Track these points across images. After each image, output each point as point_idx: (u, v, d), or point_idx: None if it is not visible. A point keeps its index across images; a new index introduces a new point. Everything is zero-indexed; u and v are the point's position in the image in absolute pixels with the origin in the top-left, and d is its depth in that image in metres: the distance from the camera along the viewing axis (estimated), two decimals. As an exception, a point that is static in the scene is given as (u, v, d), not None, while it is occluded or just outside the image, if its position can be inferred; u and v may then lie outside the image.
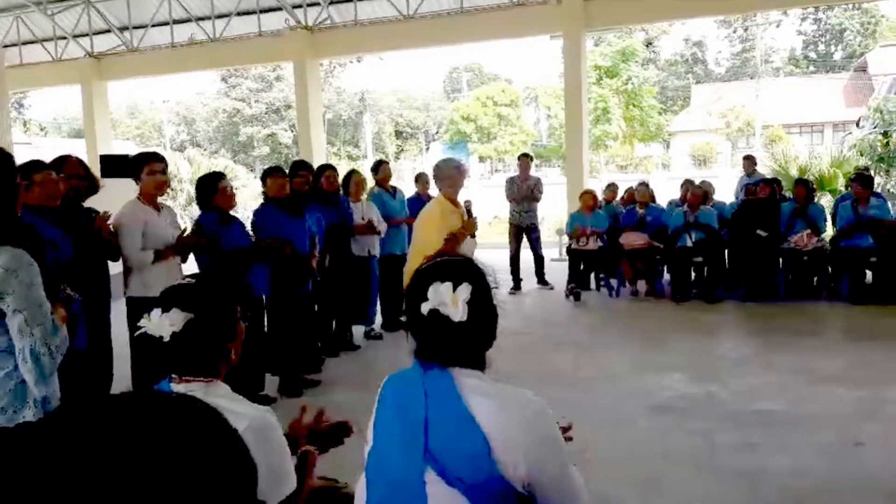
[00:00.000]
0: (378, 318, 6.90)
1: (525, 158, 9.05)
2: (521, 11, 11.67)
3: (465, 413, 1.47)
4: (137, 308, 3.84)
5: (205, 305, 1.72)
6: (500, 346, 1.66)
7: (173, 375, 1.72)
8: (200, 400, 0.74)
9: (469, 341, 1.56)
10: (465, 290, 1.51)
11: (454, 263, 1.62)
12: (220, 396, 1.71)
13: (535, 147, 40.48)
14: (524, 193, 8.61)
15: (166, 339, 1.65)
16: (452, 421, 1.47)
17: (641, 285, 8.15)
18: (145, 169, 3.98)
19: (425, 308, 1.52)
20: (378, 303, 6.89)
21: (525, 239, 8.71)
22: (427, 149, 49.17)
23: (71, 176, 3.81)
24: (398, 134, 50.96)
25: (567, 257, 8.51)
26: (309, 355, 5.37)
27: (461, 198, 4.50)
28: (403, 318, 6.49)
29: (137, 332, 1.70)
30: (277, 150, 44.14)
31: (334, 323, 6.20)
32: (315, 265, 5.26)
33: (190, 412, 0.70)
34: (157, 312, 1.68)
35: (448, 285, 1.51)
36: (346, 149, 45.78)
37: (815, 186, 8.83)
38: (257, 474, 0.73)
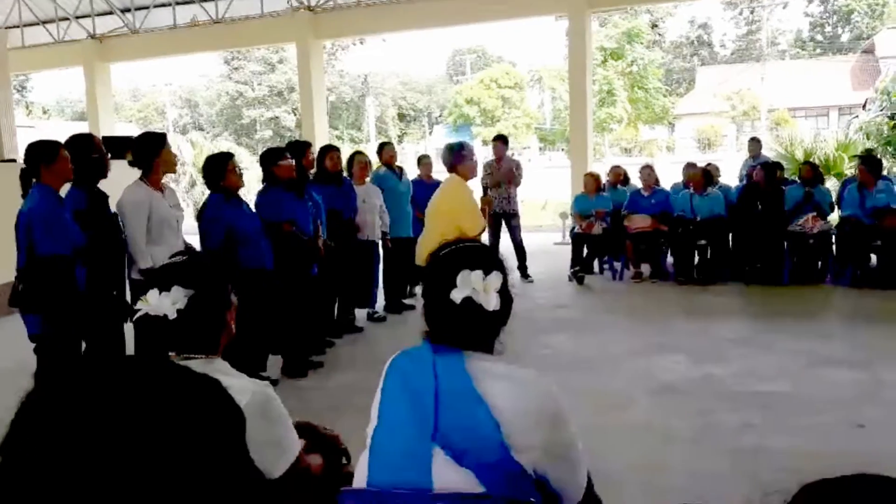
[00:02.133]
0: (381, 301, 6.92)
1: (499, 140, 8.35)
2: (525, -8, 11.60)
3: (476, 394, 1.47)
4: (142, 290, 3.87)
5: (204, 280, 1.73)
6: (504, 329, 1.67)
7: (171, 353, 1.72)
8: (205, 374, 0.75)
9: (492, 326, 1.59)
10: (496, 278, 1.53)
11: (479, 250, 1.63)
12: (219, 372, 1.72)
13: (538, 130, 40.37)
14: (502, 177, 8.01)
15: (171, 317, 1.65)
16: (463, 401, 1.48)
17: (645, 268, 8.15)
18: (163, 149, 4.00)
19: (457, 295, 1.51)
20: (380, 285, 6.92)
21: (504, 226, 8.12)
22: (430, 132, 49.01)
23: (102, 152, 3.87)
24: (401, 117, 50.80)
25: (571, 241, 8.50)
26: (313, 337, 5.40)
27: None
28: (407, 301, 6.58)
29: (137, 315, 1.70)
30: (280, 132, 44.02)
31: (337, 305, 6.22)
32: (321, 246, 5.27)
33: (191, 381, 0.71)
34: (154, 293, 1.67)
35: (479, 273, 1.52)
36: (349, 132, 45.65)
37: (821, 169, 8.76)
38: (246, 447, 0.74)
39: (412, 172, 7.80)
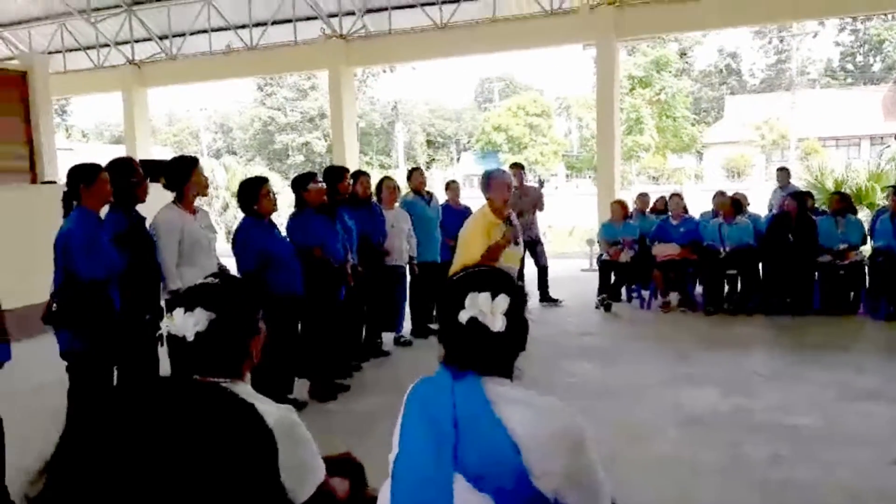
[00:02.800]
0: (407, 325, 6.95)
1: (518, 168, 8.33)
2: (553, 21, 11.70)
3: (495, 420, 1.48)
4: (169, 311, 3.94)
5: (228, 304, 1.72)
6: (529, 355, 1.68)
7: (196, 376, 1.70)
8: (233, 392, 0.79)
9: (502, 351, 1.58)
10: (503, 300, 1.54)
11: (491, 274, 1.65)
12: (243, 395, 1.74)
13: (566, 157, 40.41)
14: (526, 206, 7.96)
15: (190, 338, 1.66)
16: (482, 428, 1.48)
17: (673, 297, 8.08)
18: (195, 171, 4.11)
19: (463, 316, 1.54)
20: (407, 309, 6.96)
21: (529, 254, 7.90)
22: (458, 158, 49.31)
23: (141, 177, 3.99)
24: (430, 143, 51.21)
25: (598, 268, 8.47)
26: (340, 361, 5.44)
27: None
28: (433, 326, 6.59)
29: (159, 333, 1.72)
30: (311, 158, 44.61)
31: (364, 329, 6.26)
32: (350, 271, 5.33)
33: (225, 401, 0.74)
34: (179, 312, 1.68)
35: (486, 295, 1.54)
36: (379, 157, 46.11)
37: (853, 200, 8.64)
38: (278, 466, 0.76)
39: (441, 198, 7.85)
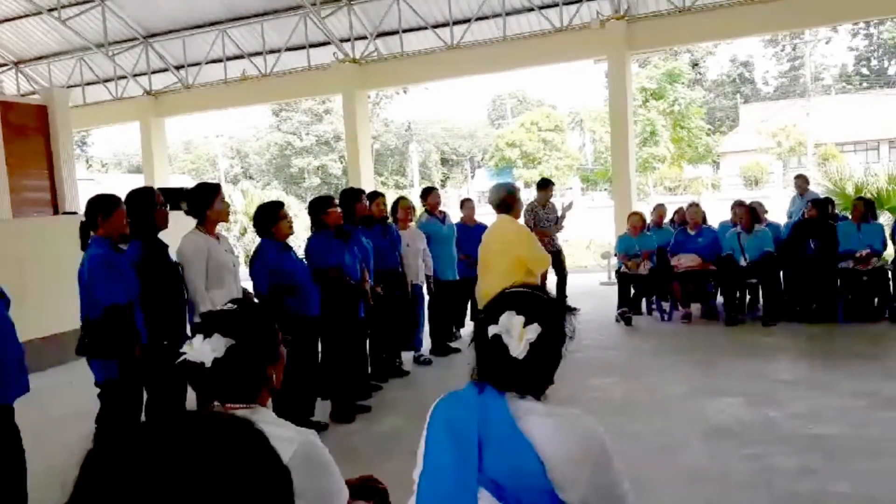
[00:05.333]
0: (426, 344, 6.95)
1: (550, 187, 8.49)
2: (564, 37, 11.77)
3: (519, 434, 1.49)
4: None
5: (246, 330, 1.71)
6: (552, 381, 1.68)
7: (215, 403, 1.71)
8: (253, 424, 0.79)
9: (524, 375, 1.57)
10: (533, 329, 1.53)
11: (539, 300, 1.64)
12: (263, 422, 1.74)
13: (580, 171, 40.36)
14: (552, 222, 8.19)
15: (208, 364, 1.64)
16: (506, 442, 1.49)
17: (694, 308, 8.01)
18: (217, 197, 4.17)
19: (492, 331, 1.55)
20: (426, 328, 6.96)
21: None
22: (473, 175, 49.46)
23: (161, 205, 4.05)
24: (444, 161, 51.43)
25: (616, 281, 8.43)
26: (360, 381, 5.44)
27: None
28: (452, 344, 6.61)
29: (179, 360, 1.69)
30: (328, 180, 44.98)
31: (384, 349, 6.26)
32: (368, 290, 5.35)
33: (238, 438, 0.75)
34: (199, 338, 1.67)
35: (520, 319, 1.53)
36: (394, 178, 46.37)
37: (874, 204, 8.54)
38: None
39: (455, 215, 7.87)
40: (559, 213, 8.25)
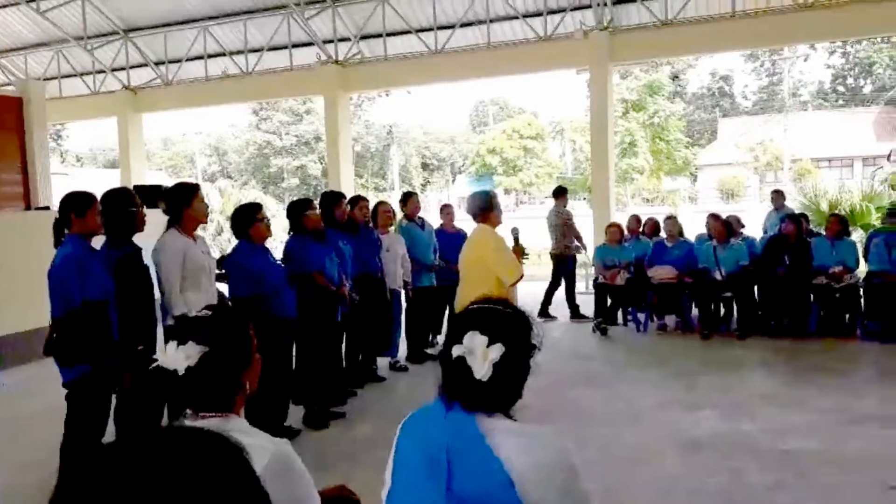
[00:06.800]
0: (402, 350, 6.91)
1: (564, 193, 9.40)
2: (547, 46, 11.81)
3: (489, 453, 1.47)
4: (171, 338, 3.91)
5: (220, 338, 1.67)
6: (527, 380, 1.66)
7: (188, 411, 1.68)
8: (228, 438, 0.77)
9: (490, 394, 1.53)
10: (497, 350, 1.49)
11: (502, 316, 1.60)
12: (237, 431, 1.70)
13: (560, 179, 40.62)
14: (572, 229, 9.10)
15: (181, 372, 1.61)
16: (476, 461, 1.47)
17: (669, 320, 8.06)
18: (196, 198, 4.10)
19: (455, 351, 1.52)
20: (402, 334, 6.92)
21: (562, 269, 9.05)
22: (454, 181, 49.53)
23: (139, 207, 4.00)
24: (424, 166, 51.43)
25: (593, 291, 8.46)
26: (335, 387, 5.39)
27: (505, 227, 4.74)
28: (430, 351, 6.59)
29: (152, 366, 1.65)
30: (307, 181, 44.76)
31: (360, 354, 6.21)
32: (347, 295, 5.31)
33: (214, 450, 0.74)
34: (172, 345, 1.63)
35: (483, 339, 1.50)
36: (374, 180, 46.28)
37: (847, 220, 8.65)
38: None
39: (435, 220, 7.84)
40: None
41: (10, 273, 7.25)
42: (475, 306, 1.65)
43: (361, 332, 5.96)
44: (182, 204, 4.07)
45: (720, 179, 36.24)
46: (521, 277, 4.35)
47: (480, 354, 1.49)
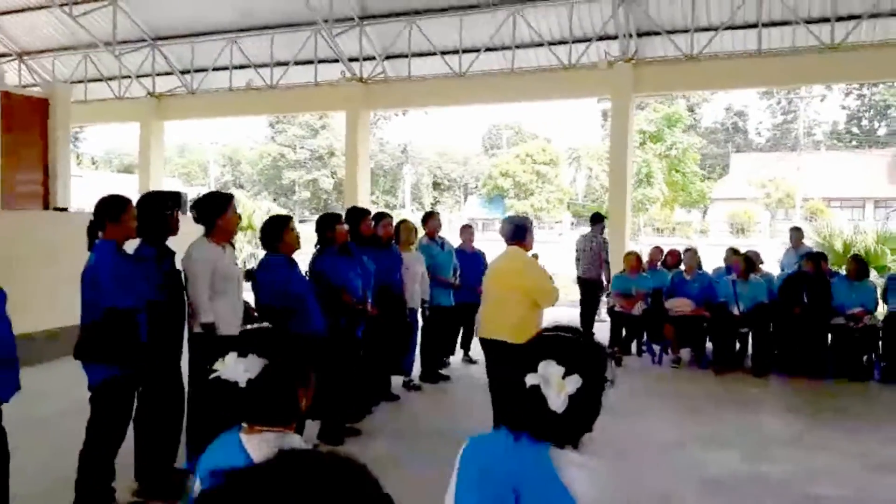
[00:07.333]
0: (416, 369, 6.89)
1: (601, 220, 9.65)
2: (571, 74, 11.88)
3: (561, 487, 1.45)
4: (201, 345, 3.92)
5: (281, 352, 1.66)
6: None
7: (243, 424, 1.67)
8: (357, 460, 0.78)
9: (563, 426, 1.51)
10: (573, 382, 1.47)
11: (579, 347, 1.57)
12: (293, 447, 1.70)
13: (572, 205, 40.68)
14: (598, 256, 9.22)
15: (242, 384, 1.60)
16: (548, 494, 1.46)
17: (684, 353, 8.01)
18: (230, 208, 4.12)
19: (529, 380, 1.49)
20: (417, 354, 6.91)
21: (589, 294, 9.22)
22: (464, 201, 49.69)
23: (173, 211, 4.05)
24: (436, 185, 51.63)
25: (609, 318, 8.44)
26: (352, 403, 5.37)
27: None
28: (443, 371, 6.57)
29: (212, 376, 1.64)
30: (318, 195, 44.97)
31: (377, 372, 6.19)
32: (369, 311, 5.31)
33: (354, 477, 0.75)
34: (232, 356, 1.62)
35: (560, 370, 1.48)
36: (385, 198, 46.46)
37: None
38: None
39: (452, 241, 7.84)
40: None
41: (26, 272, 7.27)
42: (548, 333, 1.62)
43: (379, 348, 5.95)
44: (215, 214, 4.08)
45: (731, 213, 36.25)
46: (558, 299, 4.44)
47: (556, 385, 1.47)
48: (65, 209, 10.88)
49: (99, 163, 49.06)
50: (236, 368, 1.62)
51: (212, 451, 1.70)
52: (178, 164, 50.24)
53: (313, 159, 45.62)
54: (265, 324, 1.84)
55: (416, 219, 6.88)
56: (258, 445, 1.61)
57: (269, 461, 0.75)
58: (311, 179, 45.43)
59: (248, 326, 1.84)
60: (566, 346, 1.56)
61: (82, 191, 17.87)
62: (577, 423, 1.54)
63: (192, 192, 12.98)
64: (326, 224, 5.08)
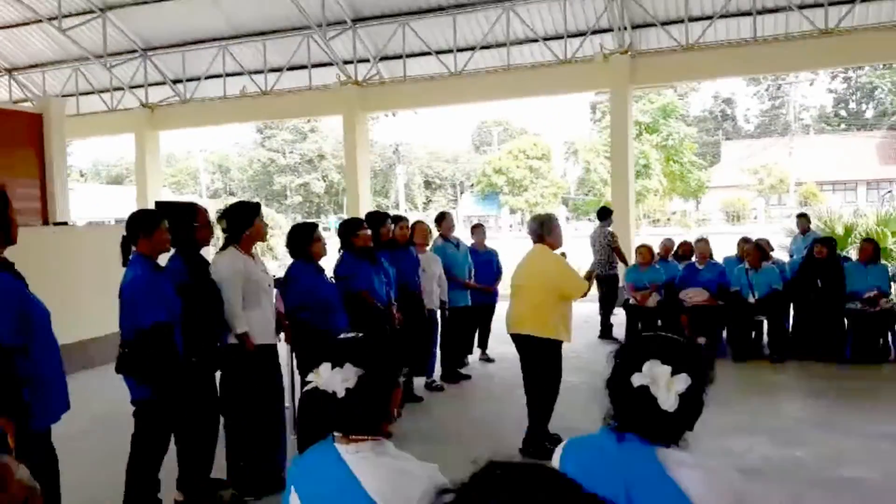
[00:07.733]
0: (437, 369, 6.88)
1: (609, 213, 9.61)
2: (567, 69, 11.90)
3: (674, 486, 1.45)
4: (236, 356, 3.91)
5: (376, 361, 1.67)
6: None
7: (336, 434, 1.66)
8: (560, 472, 0.77)
9: (671, 426, 1.52)
10: (682, 380, 1.48)
11: (680, 346, 1.58)
12: (391, 456, 1.68)
13: (566, 199, 40.77)
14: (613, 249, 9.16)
15: (340, 395, 1.60)
16: (659, 495, 1.45)
17: (701, 343, 8.01)
18: (258, 218, 4.11)
19: (636, 380, 1.49)
20: (438, 354, 6.90)
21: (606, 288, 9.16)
22: (457, 199, 49.74)
23: (203, 225, 4.00)
24: (427, 185, 51.64)
25: (625, 313, 8.45)
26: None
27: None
28: (464, 371, 6.57)
29: (307, 388, 1.64)
30: (310, 199, 44.89)
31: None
32: (394, 314, 5.30)
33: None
34: (326, 367, 1.62)
35: (667, 370, 1.48)
36: (377, 199, 46.40)
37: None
38: None
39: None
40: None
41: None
42: (648, 334, 1.62)
43: (403, 351, 5.93)
44: (245, 224, 4.07)
45: (725, 202, 36.43)
46: (588, 291, 4.47)
47: (665, 384, 1.47)
48: (65, 223, 10.82)
49: (87, 175, 48.78)
50: (334, 378, 1.61)
51: (307, 462, 1.69)
52: (167, 174, 50.00)
53: (303, 163, 45.53)
54: (357, 334, 1.83)
55: (413, 219, 6.86)
56: (357, 458, 1.60)
57: (478, 474, 0.74)
58: (303, 183, 45.34)
59: (341, 336, 1.83)
60: (669, 345, 1.56)
61: (76, 203, 17.74)
62: (683, 422, 1.54)
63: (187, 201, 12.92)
64: (351, 229, 5.07)
